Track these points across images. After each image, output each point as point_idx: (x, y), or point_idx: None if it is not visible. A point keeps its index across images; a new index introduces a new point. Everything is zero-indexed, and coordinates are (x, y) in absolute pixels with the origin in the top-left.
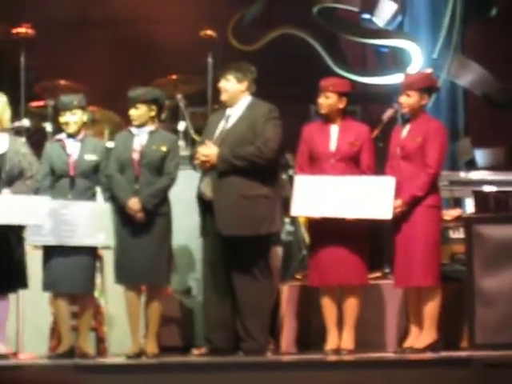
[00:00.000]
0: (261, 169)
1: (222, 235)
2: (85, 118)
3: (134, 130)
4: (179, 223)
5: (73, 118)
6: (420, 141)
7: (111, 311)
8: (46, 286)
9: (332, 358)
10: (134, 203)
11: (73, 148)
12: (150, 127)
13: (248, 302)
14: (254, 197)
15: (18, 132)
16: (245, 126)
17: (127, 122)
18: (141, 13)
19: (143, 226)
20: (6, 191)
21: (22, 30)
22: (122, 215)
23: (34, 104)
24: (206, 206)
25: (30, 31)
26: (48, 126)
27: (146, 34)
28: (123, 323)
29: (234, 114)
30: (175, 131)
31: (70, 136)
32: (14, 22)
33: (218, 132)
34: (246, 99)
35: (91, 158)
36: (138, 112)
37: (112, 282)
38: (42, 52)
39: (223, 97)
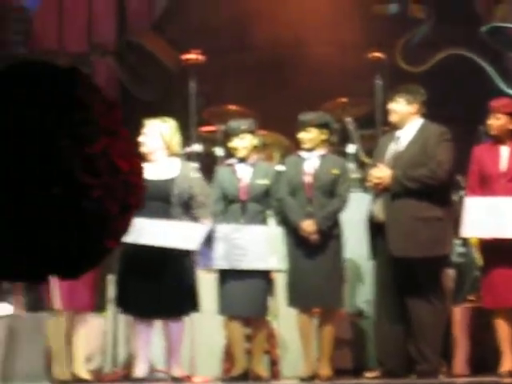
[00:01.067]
0: (433, 190)
1: (394, 257)
2: (254, 142)
3: (303, 153)
4: (349, 245)
5: (242, 143)
6: None
7: (284, 334)
8: (222, 309)
9: (507, 380)
10: (308, 225)
11: (244, 173)
12: (320, 151)
13: (421, 324)
14: (427, 218)
15: (189, 157)
16: (417, 148)
17: (296, 145)
18: (306, 36)
19: (317, 248)
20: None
21: (191, 56)
22: (295, 238)
23: (204, 129)
24: (377, 227)
25: (200, 57)
26: (218, 151)
27: (312, 57)
28: (296, 346)
29: (404, 136)
30: (344, 154)
31: (241, 160)
32: (184, 48)
33: (389, 154)
34: (416, 121)
35: (263, 182)
36: (308, 136)
37: (284, 304)
38: (211, 78)
39: (393, 119)
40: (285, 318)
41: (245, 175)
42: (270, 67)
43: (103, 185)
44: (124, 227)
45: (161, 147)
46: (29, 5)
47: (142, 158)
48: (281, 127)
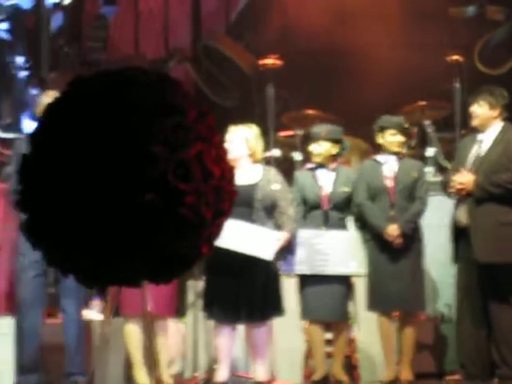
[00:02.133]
0: None
1: (478, 262)
2: (333, 151)
3: (380, 158)
4: (428, 248)
5: (318, 149)
6: None
7: (363, 338)
8: (304, 314)
9: None
10: (393, 229)
11: (325, 179)
12: (396, 156)
13: (503, 329)
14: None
15: (268, 162)
16: (499, 152)
17: (375, 149)
18: (384, 39)
19: (399, 252)
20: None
21: (269, 61)
22: (378, 242)
23: (283, 134)
24: (460, 232)
25: (278, 62)
26: (296, 156)
27: (390, 60)
28: (376, 350)
29: (486, 139)
30: (423, 157)
31: (322, 166)
32: (261, 53)
33: (471, 158)
34: (498, 124)
35: (344, 189)
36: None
37: (364, 309)
38: (289, 82)
39: (474, 122)
40: (365, 323)
41: (326, 182)
42: (348, 71)
43: (196, 190)
44: (216, 232)
45: (246, 153)
46: (106, 12)
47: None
48: (359, 131)
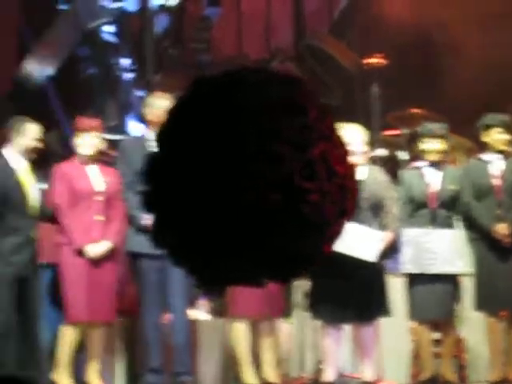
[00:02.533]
0: None
1: None
2: (445, 147)
3: (485, 156)
4: None
5: (435, 147)
6: None
7: (471, 338)
8: (413, 314)
9: None
10: (502, 228)
11: (433, 178)
12: (502, 154)
13: None
14: None
15: (373, 161)
16: None
17: (480, 147)
18: (485, 38)
19: (508, 251)
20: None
21: (373, 60)
22: (486, 241)
23: (388, 133)
24: None
25: (382, 61)
26: (401, 155)
27: (494, 57)
28: (483, 350)
29: None
30: None
31: (431, 165)
32: (365, 52)
33: None
34: None
35: (452, 188)
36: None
37: (470, 308)
38: (393, 81)
39: None
40: (472, 322)
41: (434, 180)
42: (450, 69)
43: (320, 189)
44: (339, 232)
45: (359, 152)
46: (210, 13)
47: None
48: (463, 129)
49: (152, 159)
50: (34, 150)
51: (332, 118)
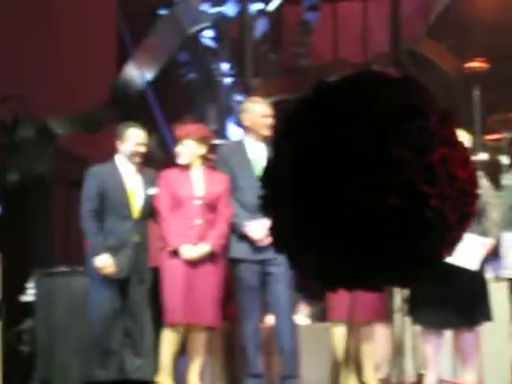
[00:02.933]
0: None
1: None
2: None
3: None
4: None
5: None
6: None
7: None
8: None
9: None
10: None
11: None
12: None
13: None
14: None
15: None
16: None
17: None
18: None
19: None
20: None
21: (475, 64)
22: None
23: (489, 137)
24: None
25: (484, 65)
26: (503, 159)
27: None
28: None
29: None
30: None
31: None
32: (465, 56)
33: None
34: None
35: None
36: None
37: None
38: (495, 85)
39: None
40: None
41: None
42: None
43: (441, 194)
44: (459, 236)
45: None
46: (309, 18)
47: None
48: None
49: (270, 163)
50: (138, 155)
51: (453, 123)
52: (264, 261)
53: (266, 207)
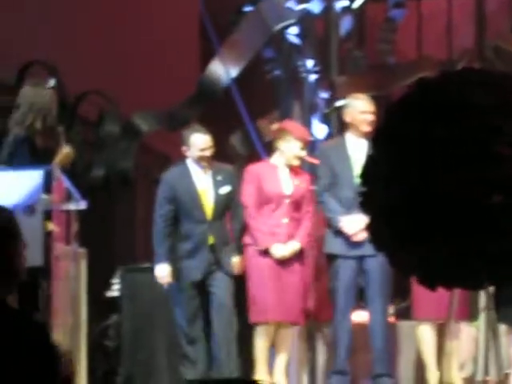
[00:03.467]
0: None
1: None
2: None
3: None
4: None
5: None
6: None
7: None
8: None
9: None
10: None
11: None
12: None
13: None
14: None
15: None
16: None
17: None
18: None
19: None
20: None
21: None
22: None
23: None
24: None
25: None
26: None
27: None
28: None
29: None
30: None
31: None
32: None
33: None
34: None
35: None
36: None
37: None
38: None
39: None
40: None
41: None
42: None
43: None
44: None
45: None
46: (395, 15)
47: None
48: None
49: (371, 160)
50: (204, 159)
51: None
52: (361, 257)
53: (364, 204)
